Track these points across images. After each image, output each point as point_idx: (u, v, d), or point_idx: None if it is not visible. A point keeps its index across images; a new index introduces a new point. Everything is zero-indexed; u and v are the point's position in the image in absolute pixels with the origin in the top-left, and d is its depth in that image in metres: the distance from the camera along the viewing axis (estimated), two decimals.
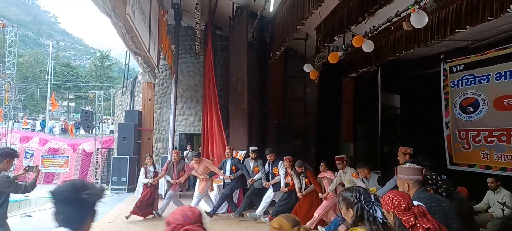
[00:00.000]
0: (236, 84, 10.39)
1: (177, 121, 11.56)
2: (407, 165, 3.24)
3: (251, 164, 7.67)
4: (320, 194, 6.51)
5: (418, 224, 2.11)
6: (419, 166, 3.03)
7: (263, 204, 7.30)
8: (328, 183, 6.49)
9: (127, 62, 14.36)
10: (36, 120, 35.24)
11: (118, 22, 6.55)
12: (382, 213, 1.96)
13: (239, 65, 10.18)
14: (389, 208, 2.22)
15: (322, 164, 6.76)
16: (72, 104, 50.71)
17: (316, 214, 6.35)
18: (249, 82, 9.80)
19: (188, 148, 11.77)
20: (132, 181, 10.81)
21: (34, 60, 50.87)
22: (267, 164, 7.49)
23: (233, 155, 8.11)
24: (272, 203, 7.45)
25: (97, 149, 16.21)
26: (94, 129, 17.15)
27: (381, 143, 10.20)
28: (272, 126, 10.52)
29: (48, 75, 37.44)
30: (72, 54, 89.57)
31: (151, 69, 10.20)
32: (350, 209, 2.02)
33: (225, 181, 7.73)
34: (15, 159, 3.92)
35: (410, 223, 2.12)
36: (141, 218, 7.30)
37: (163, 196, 8.19)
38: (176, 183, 7.51)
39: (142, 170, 7.66)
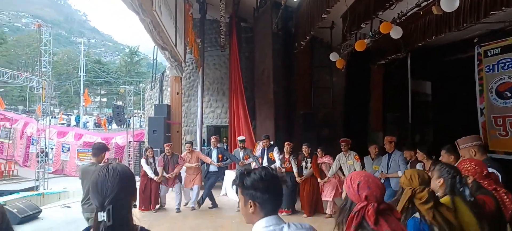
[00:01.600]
0: (261, 75, 10.40)
1: (204, 113, 11.74)
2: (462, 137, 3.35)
3: (240, 153, 7.65)
4: (319, 179, 6.78)
5: (498, 189, 2.41)
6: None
7: None
8: (326, 168, 6.85)
9: (155, 57, 14.69)
10: (71, 115, 36.90)
11: (146, 18, 6.70)
12: (470, 193, 2.19)
13: (264, 56, 10.17)
14: (470, 173, 2.47)
15: (318, 150, 7.03)
16: (104, 99, 52.57)
17: (329, 198, 6.69)
18: (275, 73, 9.77)
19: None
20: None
21: (67, 58, 53.04)
22: (261, 149, 7.59)
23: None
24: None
25: (129, 142, 16.76)
26: (126, 123, 17.71)
27: (412, 131, 9.94)
28: (298, 116, 10.48)
29: (80, 72, 38.94)
30: (103, 51, 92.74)
31: (178, 64, 10.38)
32: (441, 179, 2.25)
33: (210, 170, 7.73)
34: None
35: (491, 187, 2.41)
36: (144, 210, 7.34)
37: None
38: (170, 176, 7.46)
39: (144, 161, 7.57)
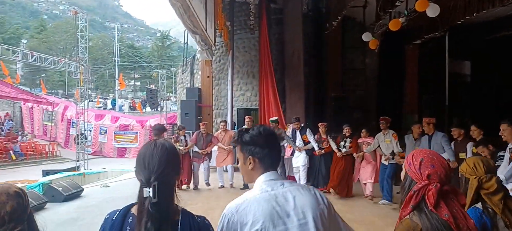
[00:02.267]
0: (291, 57, 10.29)
1: (234, 96, 11.82)
2: None
3: None
4: (354, 154, 6.94)
5: None
6: None
7: (302, 173, 7.31)
8: (366, 147, 6.95)
9: (185, 41, 14.89)
10: (107, 99, 38.34)
11: (176, 2, 6.77)
12: None
13: (294, 38, 10.04)
14: None
15: (363, 130, 7.13)
16: (138, 83, 54.13)
17: (370, 180, 6.77)
18: (305, 55, 9.65)
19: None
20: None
21: (102, 43, 54.83)
22: (292, 131, 7.55)
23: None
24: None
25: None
26: (159, 106, 18.21)
27: (449, 114, 9.56)
28: (329, 99, 10.33)
29: (115, 57, 40.16)
30: (135, 36, 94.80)
31: (208, 47, 10.46)
32: None
33: None
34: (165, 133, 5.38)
35: None
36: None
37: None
38: (202, 153, 7.69)
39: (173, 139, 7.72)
